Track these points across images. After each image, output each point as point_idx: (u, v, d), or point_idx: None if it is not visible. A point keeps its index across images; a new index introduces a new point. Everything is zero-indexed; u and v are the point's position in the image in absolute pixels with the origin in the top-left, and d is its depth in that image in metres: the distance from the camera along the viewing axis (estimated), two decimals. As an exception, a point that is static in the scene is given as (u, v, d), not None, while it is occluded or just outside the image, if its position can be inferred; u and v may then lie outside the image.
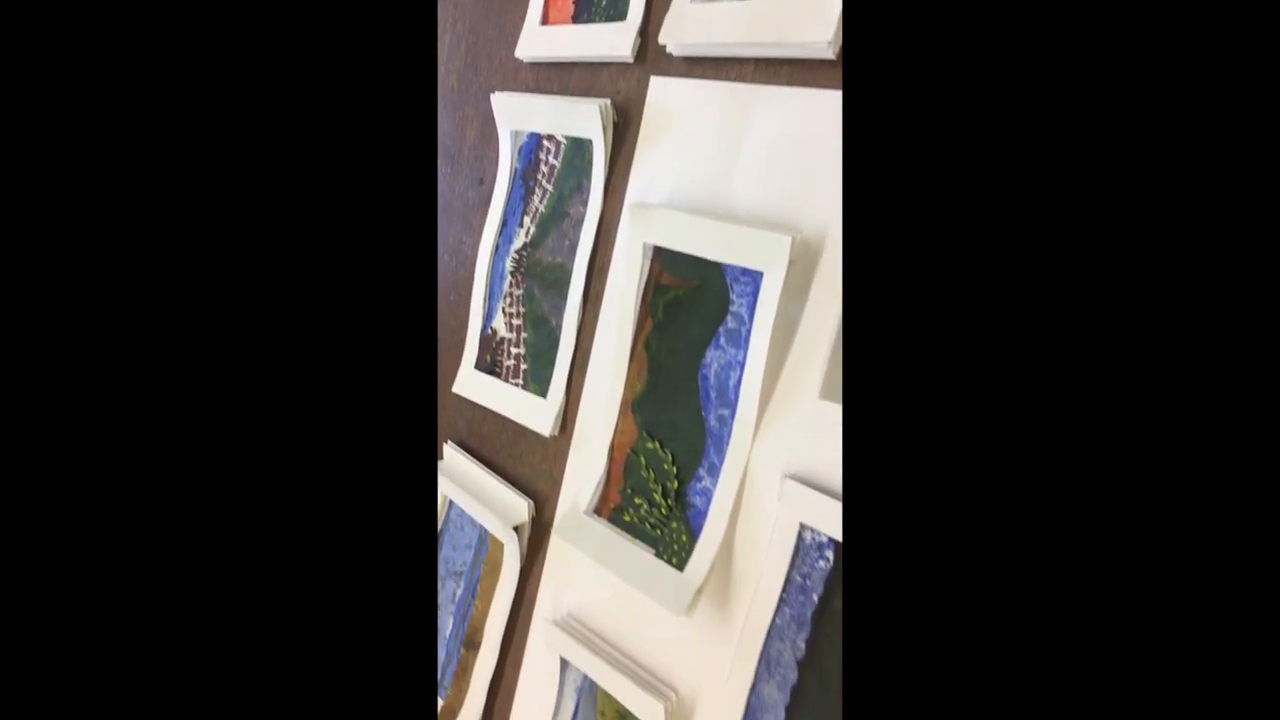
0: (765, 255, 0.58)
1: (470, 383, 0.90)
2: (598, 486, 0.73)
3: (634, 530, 0.70)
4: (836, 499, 0.55)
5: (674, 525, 0.67)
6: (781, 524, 0.59)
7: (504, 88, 0.87)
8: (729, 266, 0.62)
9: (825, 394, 0.54)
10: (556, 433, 0.79)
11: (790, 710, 0.59)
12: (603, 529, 0.72)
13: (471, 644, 0.88)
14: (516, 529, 0.81)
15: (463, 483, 0.90)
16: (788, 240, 0.57)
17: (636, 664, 0.70)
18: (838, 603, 0.56)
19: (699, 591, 0.63)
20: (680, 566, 0.65)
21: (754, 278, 0.60)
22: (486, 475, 0.88)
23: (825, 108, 0.58)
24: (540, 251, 0.81)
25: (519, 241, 0.84)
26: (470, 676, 0.88)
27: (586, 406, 0.76)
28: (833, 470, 0.57)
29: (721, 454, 0.63)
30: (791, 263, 0.58)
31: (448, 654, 0.92)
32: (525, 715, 0.81)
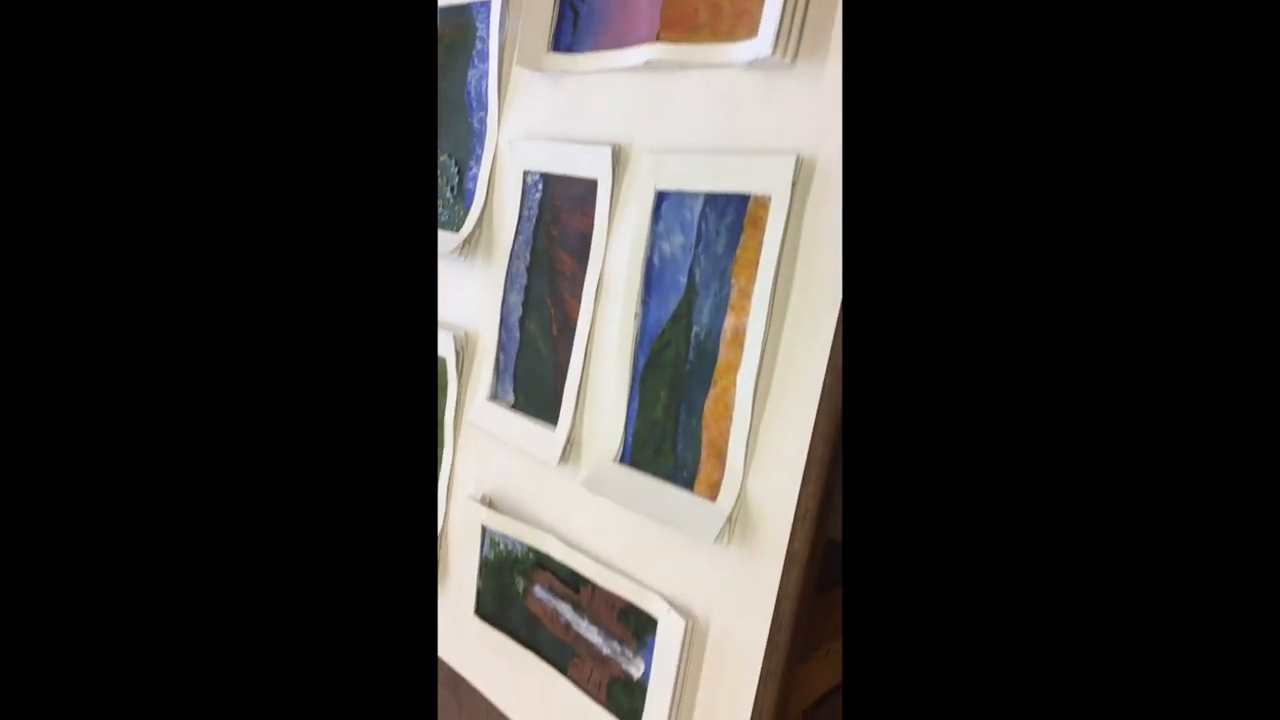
0: (491, -17, 0.83)
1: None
2: (415, 206, 0.97)
3: (440, 226, 0.94)
4: (547, 142, 0.79)
5: (457, 208, 0.91)
6: (511, 173, 0.83)
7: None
8: (473, 3, 0.87)
9: (520, 61, 0.78)
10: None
11: (524, 305, 0.83)
12: (417, 232, 0.96)
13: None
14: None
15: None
16: (501, -33, 0.81)
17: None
18: (547, 216, 0.80)
19: (467, 241, 0.87)
20: (457, 230, 0.89)
21: (487, 4, 0.85)
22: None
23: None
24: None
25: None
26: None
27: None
28: (541, 124, 0.81)
29: (483, 145, 0.88)
30: (508, -13, 0.82)
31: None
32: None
